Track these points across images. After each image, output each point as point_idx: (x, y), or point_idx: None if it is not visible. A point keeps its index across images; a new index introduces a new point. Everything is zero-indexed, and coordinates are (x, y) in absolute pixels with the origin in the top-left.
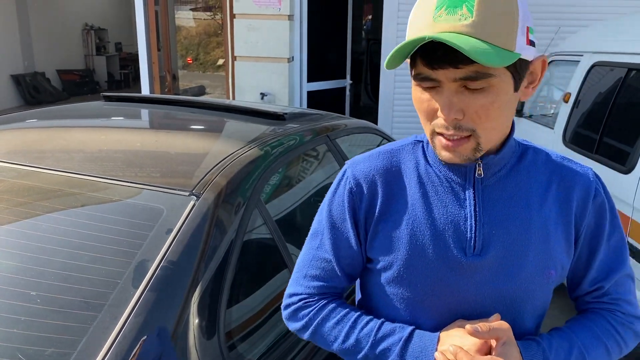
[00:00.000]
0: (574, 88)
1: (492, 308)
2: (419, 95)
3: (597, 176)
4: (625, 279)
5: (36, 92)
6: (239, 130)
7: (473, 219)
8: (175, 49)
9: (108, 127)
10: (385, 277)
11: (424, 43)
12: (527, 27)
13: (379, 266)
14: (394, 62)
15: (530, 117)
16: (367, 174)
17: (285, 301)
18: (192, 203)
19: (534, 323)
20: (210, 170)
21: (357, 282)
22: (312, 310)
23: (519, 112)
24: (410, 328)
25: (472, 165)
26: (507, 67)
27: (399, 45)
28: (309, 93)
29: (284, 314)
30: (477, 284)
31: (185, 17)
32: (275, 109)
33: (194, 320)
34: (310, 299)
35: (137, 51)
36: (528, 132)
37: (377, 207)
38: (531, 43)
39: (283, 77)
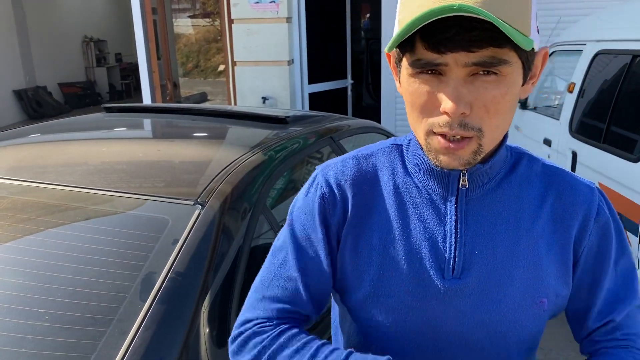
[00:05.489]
0: (578, 78)
1: (475, 340)
2: (415, 87)
3: (601, 193)
4: (637, 311)
5: (39, 107)
6: (242, 136)
7: (453, 237)
8: (175, 57)
9: (110, 139)
10: (356, 299)
11: (428, 22)
12: (535, 12)
13: (349, 287)
14: (395, 44)
15: (535, 109)
16: (339, 179)
17: (234, 332)
18: (197, 212)
19: (522, 355)
20: (214, 178)
21: (335, 311)
22: (267, 337)
23: (524, 105)
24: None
25: (456, 175)
26: (520, 55)
27: (410, 20)
28: (311, 95)
29: (231, 348)
30: (457, 312)
31: (184, 25)
32: (277, 113)
33: (204, 330)
34: (267, 323)
35: (137, 61)
36: (534, 125)
37: (348, 218)
38: (537, 30)
39: (284, 80)
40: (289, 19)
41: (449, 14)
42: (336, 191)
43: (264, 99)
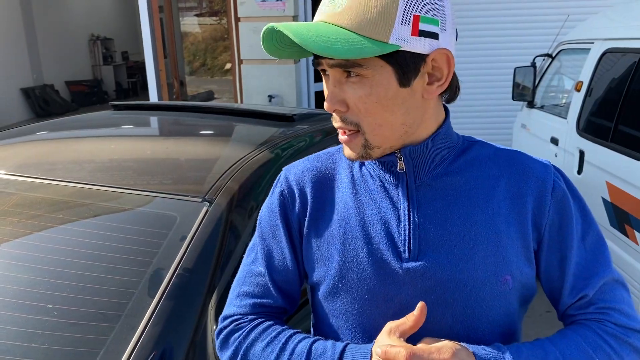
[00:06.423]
0: (585, 76)
1: (441, 321)
2: (323, 85)
3: (557, 169)
4: (613, 285)
5: (46, 105)
6: (249, 134)
7: (407, 220)
8: (182, 56)
9: (118, 136)
10: (322, 291)
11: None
12: (416, 16)
13: (315, 279)
14: (272, 49)
15: (542, 107)
16: (299, 176)
17: (218, 327)
18: (205, 209)
19: (495, 339)
20: (222, 175)
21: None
22: (242, 333)
23: (530, 103)
24: (342, 345)
25: (396, 161)
26: (385, 60)
27: (261, 33)
28: (317, 93)
29: (217, 344)
30: (420, 293)
31: (190, 23)
32: (284, 111)
33: (211, 327)
34: (243, 320)
35: (144, 59)
36: (541, 123)
37: (308, 211)
38: (426, 34)
39: (290, 79)
40: (295, 17)
41: (271, 32)
42: (295, 187)
43: (270, 97)
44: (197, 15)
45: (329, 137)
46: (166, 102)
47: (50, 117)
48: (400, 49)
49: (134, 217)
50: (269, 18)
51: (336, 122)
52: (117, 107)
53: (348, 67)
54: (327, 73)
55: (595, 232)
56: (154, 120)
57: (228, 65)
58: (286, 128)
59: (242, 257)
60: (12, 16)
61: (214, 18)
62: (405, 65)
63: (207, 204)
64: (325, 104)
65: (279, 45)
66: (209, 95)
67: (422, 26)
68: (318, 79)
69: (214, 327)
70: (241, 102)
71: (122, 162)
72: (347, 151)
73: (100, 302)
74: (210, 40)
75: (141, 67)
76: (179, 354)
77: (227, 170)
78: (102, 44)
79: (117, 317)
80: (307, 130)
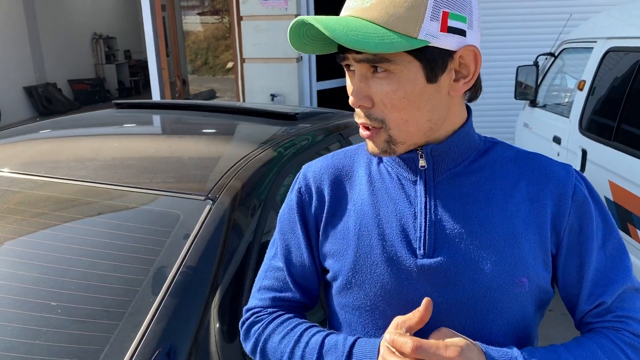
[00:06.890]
0: (588, 75)
1: (454, 320)
2: (346, 81)
3: (578, 173)
4: (632, 294)
5: (49, 103)
6: (252, 133)
7: (423, 217)
8: (184, 54)
9: (121, 135)
10: (336, 286)
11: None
12: (445, 12)
13: (330, 275)
14: (298, 44)
15: (544, 106)
16: (317, 173)
17: (242, 318)
18: (208, 207)
19: (510, 342)
20: (225, 174)
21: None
22: (261, 325)
23: (533, 102)
24: (352, 339)
25: (418, 159)
26: (414, 55)
27: (289, 27)
28: (319, 92)
29: (240, 334)
30: (434, 290)
31: (193, 22)
32: (286, 110)
33: (215, 325)
34: (263, 313)
35: (146, 58)
36: (543, 122)
37: (325, 207)
38: (454, 30)
39: (292, 77)
40: (297, 16)
41: (300, 25)
42: (312, 184)
43: (273, 96)
44: (199, 13)
45: (332, 136)
46: (169, 100)
47: (53, 115)
48: (429, 44)
49: (138, 215)
50: (271, 17)
51: (359, 118)
52: (120, 106)
53: (376, 62)
54: (351, 69)
55: (616, 239)
56: (156, 118)
57: (230, 64)
58: (289, 127)
59: (245, 255)
60: (15, 15)
61: (216, 17)
62: (433, 61)
63: (210, 202)
64: (351, 100)
65: (305, 39)
66: (211, 94)
67: (451, 22)
68: (320, 77)
69: (217, 325)
70: (243, 100)
71: (125, 161)
72: (370, 146)
73: (104, 300)
74: (213, 38)
75: (143, 65)
76: (183, 352)
77: (230, 169)
78: (104, 42)
79: (121, 315)
80: (310, 129)
